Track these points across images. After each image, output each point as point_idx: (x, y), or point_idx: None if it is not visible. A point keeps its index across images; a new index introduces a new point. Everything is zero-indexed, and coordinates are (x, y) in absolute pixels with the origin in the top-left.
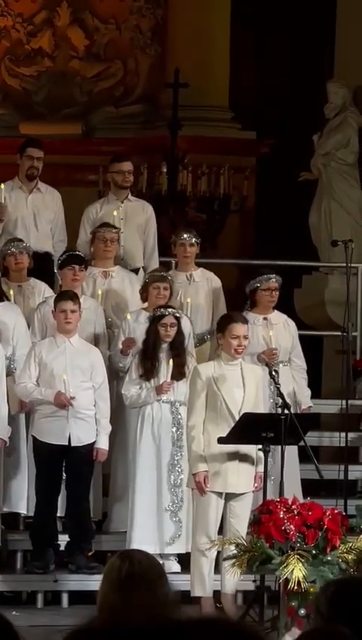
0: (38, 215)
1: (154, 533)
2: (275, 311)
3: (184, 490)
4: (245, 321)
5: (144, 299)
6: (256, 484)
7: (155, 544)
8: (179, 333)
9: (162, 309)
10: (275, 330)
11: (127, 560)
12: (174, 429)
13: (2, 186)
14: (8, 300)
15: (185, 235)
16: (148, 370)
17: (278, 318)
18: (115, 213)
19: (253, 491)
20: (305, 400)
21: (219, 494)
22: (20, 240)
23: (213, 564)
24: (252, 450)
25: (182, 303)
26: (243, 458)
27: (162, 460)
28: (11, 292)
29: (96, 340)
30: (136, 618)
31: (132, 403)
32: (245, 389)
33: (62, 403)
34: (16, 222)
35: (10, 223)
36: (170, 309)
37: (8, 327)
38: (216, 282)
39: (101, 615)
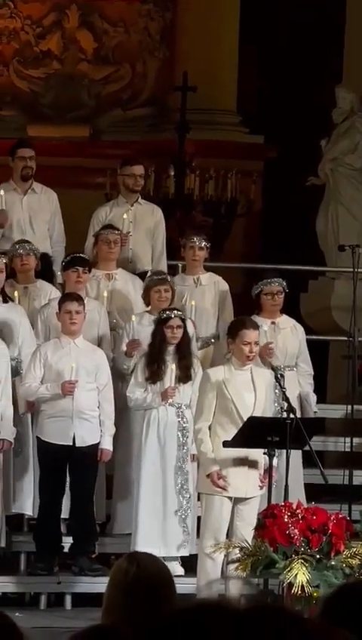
0: (34, 217)
1: (159, 536)
2: (284, 315)
3: (191, 493)
4: (256, 327)
5: (147, 303)
6: (260, 484)
7: (160, 547)
8: (185, 335)
9: (168, 312)
10: (283, 334)
11: (135, 562)
12: (179, 433)
13: (2, 192)
14: (12, 301)
15: (194, 238)
16: (154, 373)
17: (286, 322)
18: (124, 216)
19: (259, 486)
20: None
21: (229, 498)
22: (27, 241)
23: (220, 567)
24: (260, 454)
25: (185, 306)
26: (252, 463)
27: (167, 463)
28: (16, 293)
29: (99, 342)
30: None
31: (136, 405)
32: (256, 394)
33: (69, 389)
34: (11, 224)
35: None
36: (175, 312)
37: (13, 329)
38: (223, 286)
39: (107, 617)
